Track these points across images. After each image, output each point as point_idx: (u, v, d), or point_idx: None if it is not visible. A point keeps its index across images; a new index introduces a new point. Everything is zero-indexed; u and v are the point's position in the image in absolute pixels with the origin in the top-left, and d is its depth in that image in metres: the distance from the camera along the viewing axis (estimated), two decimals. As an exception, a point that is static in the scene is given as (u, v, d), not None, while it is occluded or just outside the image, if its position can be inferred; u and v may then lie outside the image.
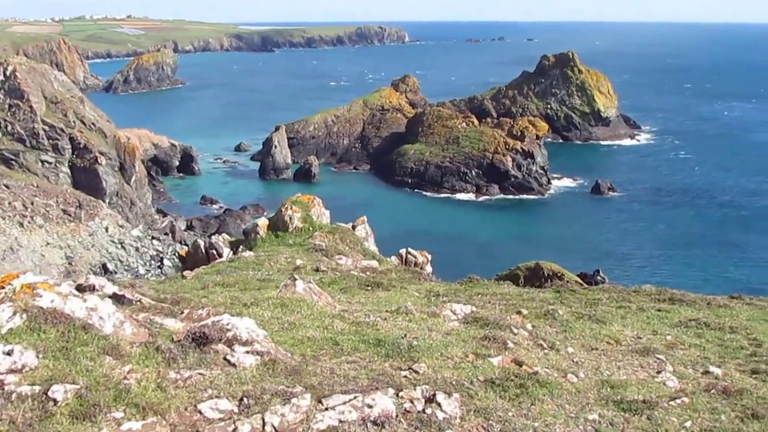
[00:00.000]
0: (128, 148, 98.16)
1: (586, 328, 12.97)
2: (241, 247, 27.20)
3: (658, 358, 11.17)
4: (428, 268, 27.93)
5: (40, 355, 7.57)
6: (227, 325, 9.09)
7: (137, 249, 78.94)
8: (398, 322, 11.91)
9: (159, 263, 76.89)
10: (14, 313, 8.12)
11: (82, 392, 7.09)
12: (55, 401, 6.92)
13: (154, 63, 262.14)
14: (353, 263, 22.89)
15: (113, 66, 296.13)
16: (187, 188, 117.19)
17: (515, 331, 11.87)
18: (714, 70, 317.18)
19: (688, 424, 8.63)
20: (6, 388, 6.99)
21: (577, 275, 51.97)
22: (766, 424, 8.69)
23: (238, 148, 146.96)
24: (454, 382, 8.87)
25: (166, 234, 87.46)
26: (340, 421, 7.45)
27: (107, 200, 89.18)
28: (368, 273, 20.89)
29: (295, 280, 13.12)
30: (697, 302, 16.07)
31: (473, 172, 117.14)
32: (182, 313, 10.64)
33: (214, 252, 27.18)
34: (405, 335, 10.58)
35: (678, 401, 9.21)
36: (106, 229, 78.59)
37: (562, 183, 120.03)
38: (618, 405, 8.96)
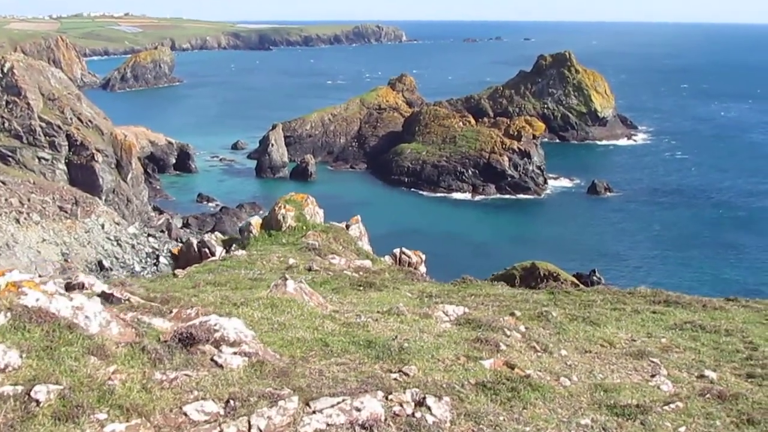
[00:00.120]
0: (125, 146, 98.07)
1: (580, 331, 12.84)
2: (233, 245, 27.04)
3: (653, 362, 11.06)
4: (422, 268, 27.79)
5: (24, 355, 7.43)
6: (215, 325, 8.95)
7: (133, 246, 78.85)
8: (389, 323, 11.79)
9: (155, 260, 76.81)
10: (-2, 312, 8.00)
11: (66, 393, 6.95)
12: (37, 402, 6.78)
13: (151, 61, 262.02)
14: (346, 263, 22.75)
15: (111, 63, 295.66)
16: (184, 186, 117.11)
17: (508, 333, 11.74)
18: (711, 71, 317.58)
19: (682, 429, 8.51)
20: (-12, 388, 6.87)
21: (573, 275, 51.98)
22: (762, 429, 8.57)
23: (234, 146, 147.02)
24: (444, 386, 8.73)
25: (162, 231, 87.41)
26: (328, 425, 7.31)
27: (104, 197, 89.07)
28: (361, 273, 20.76)
29: (286, 279, 12.98)
30: (692, 304, 15.96)
31: (470, 172, 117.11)
32: (171, 312, 10.51)
33: (207, 251, 27.02)
34: (396, 337, 10.44)
35: (672, 406, 9.08)
36: (102, 226, 78.45)
37: (558, 183, 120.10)
38: (611, 409, 8.83)
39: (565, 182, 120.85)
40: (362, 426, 7.40)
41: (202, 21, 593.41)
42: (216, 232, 36.53)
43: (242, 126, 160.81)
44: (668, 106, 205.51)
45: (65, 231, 74.73)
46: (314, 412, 7.51)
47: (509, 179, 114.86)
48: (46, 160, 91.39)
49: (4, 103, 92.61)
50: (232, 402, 7.55)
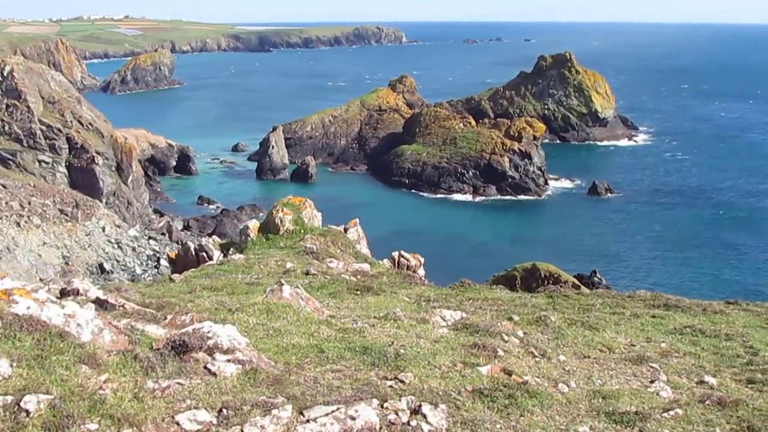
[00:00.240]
0: (125, 148, 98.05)
1: (579, 335, 12.72)
2: (231, 249, 26.91)
3: (652, 367, 10.94)
4: (421, 271, 27.65)
5: (14, 364, 7.33)
6: (208, 332, 8.86)
7: (134, 249, 78.75)
8: (386, 328, 11.68)
9: (156, 263, 76.71)
10: (-12, 321, 7.91)
11: (56, 403, 6.85)
12: (27, 412, 6.69)
13: (151, 63, 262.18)
14: (344, 266, 22.63)
15: (111, 66, 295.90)
16: (184, 188, 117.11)
17: (506, 338, 11.63)
18: (711, 71, 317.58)
19: None
20: (-23, 398, 6.78)
21: (574, 276, 51.84)
22: (762, 437, 8.47)
23: (235, 149, 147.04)
24: (440, 393, 8.62)
25: (162, 234, 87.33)
26: (321, 434, 7.23)
27: (104, 200, 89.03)
28: (359, 276, 20.65)
29: (282, 285, 12.88)
30: (692, 308, 15.82)
31: (470, 173, 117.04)
32: (165, 318, 10.43)
33: (205, 255, 26.88)
34: (392, 343, 10.34)
35: (671, 413, 8.96)
36: (103, 229, 78.39)
37: (559, 184, 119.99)
38: (609, 417, 8.72)
39: (565, 183, 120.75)
40: (356, 435, 7.32)
41: (201, 23, 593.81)
42: (214, 236, 36.36)
43: (242, 128, 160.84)
44: (669, 107, 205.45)
45: (66, 234, 74.66)
46: (308, 421, 7.42)
47: (510, 180, 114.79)
48: (47, 163, 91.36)
49: (4, 106, 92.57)
50: (225, 411, 7.46)
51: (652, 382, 10.30)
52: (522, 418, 8.41)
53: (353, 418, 7.47)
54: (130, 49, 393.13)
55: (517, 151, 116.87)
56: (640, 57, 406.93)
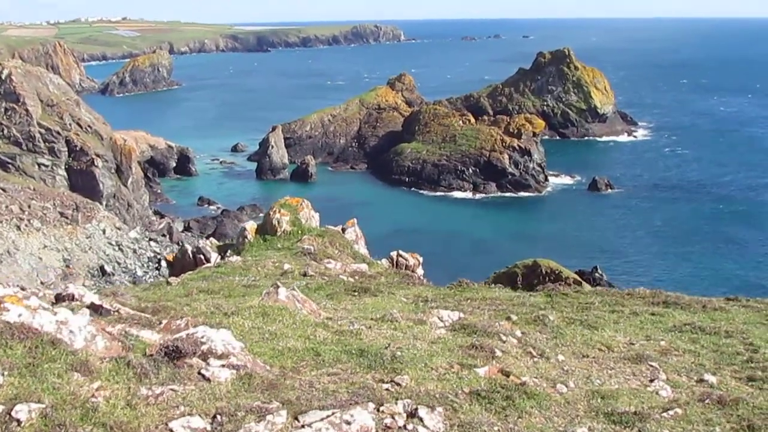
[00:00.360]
0: (125, 150, 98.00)
1: (578, 334, 12.62)
2: (228, 251, 26.80)
3: (651, 366, 10.83)
4: (419, 271, 27.55)
5: (5, 373, 7.27)
6: (202, 337, 8.77)
7: (135, 251, 78.72)
8: (383, 330, 11.59)
9: (157, 265, 76.64)
10: (-22, 329, 7.84)
11: (48, 411, 6.77)
12: (18, 421, 6.61)
13: (149, 65, 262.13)
14: (342, 267, 22.55)
15: (109, 68, 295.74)
16: (184, 189, 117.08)
17: (504, 338, 11.54)
18: (710, 66, 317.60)
19: None
20: (-32, 408, 6.70)
21: (575, 272, 51.71)
22: (762, 436, 8.38)
23: (234, 149, 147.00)
24: (437, 395, 8.53)
25: (163, 235, 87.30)
26: (316, 440, 7.16)
27: (104, 202, 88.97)
28: (357, 277, 20.54)
29: (278, 287, 12.79)
30: (692, 305, 15.70)
31: (470, 170, 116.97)
32: (160, 323, 10.35)
33: (202, 257, 26.78)
34: (388, 345, 10.25)
35: (671, 413, 8.86)
36: (104, 232, 78.36)
37: (559, 180, 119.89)
38: (608, 417, 8.62)
39: (565, 179, 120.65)
40: (352, 440, 7.24)
41: (199, 24, 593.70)
42: (211, 238, 36.19)
43: (242, 128, 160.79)
44: (668, 102, 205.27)
45: (66, 237, 74.62)
46: (303, 426, 7.34)
47: (510, 177, 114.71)
48: (46, 166, 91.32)
49: (2, 110, 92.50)
50: (219, 417, 7.38)
51: (651, 381, 10.21)
52: (520, 419, 8.32)
53: (349, 423, 7.39)
54: (128, 50, 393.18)
55: (517, 147, 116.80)
56: (639, 52, 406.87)
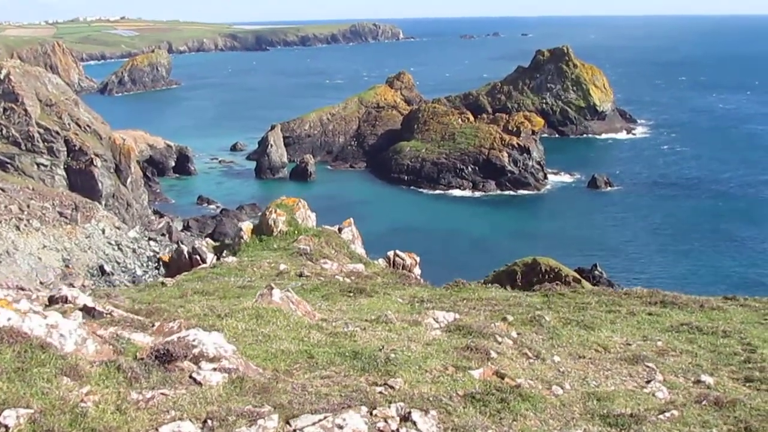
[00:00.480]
0: (124, 150, 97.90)
1: (574, 335, 12.52)
2: (224, 252, 26.66)
3: (648, 367, 10.75)
4: (416, 270, 27.43)
5: (-6, 378, 7.19)
6: (194, 341, 8.68)
7: (134, 250, 78.67)
8: (377, 332, 11.49)
9: (156, 264, 76.53)
10: (-33, 334, 7.76)
11: (36, 417, 6.71)
12: (6, 427, 6.54)
13: (148, 64, 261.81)
14: (338, 267, 22.45)
15: (108, 68, 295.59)
16: (184, 189, 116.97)
17: (499, 339, 11.45)
18: (708, 63, 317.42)
19: None
20: (-45, 414, 6.62)
21: (575, 270, 51.65)
22: (760, 438, 8.29)
23: (233, 148, 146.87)
24: (431, 398, 8.44)
25: (162, 235, 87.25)
26: (308, 444, 7.08)
27: (103, 202, 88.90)
28: (353, 278, 20.43)
29: (272, 288, 12.70)
30: (689, 305, 15.61)
31: (469, 169, 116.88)
32: (153, 326, 10.26)
33: (198, 257, 26.65)
34: (382, 347, 10.16)
35: (667, 414, 8.77)
36: (103, 231, 78.32)
37: (558, 178, 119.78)
38: (604, 419, 8.54)
39: (565, 177, 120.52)
40: (344, 445, 7.16)
41: (198, 23, 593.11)
42: (207, 239, 36.05)
43: (241, 127, 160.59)
44: (667, 99, 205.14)
45: (66, 237, 74.56)
46: (295, 431, 7.26)
47: (509, 175, 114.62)
48: (45, 166, 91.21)
49: (1, 110, 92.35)
50: (209, 422, 7.30)
51: (648, 382, 10.12)
52: (515, 422, 8.24)
53: (341, 427, 7.32)
54: (127, 50, 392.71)
55: (516, 145, 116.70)
56: (638, 50, 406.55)
